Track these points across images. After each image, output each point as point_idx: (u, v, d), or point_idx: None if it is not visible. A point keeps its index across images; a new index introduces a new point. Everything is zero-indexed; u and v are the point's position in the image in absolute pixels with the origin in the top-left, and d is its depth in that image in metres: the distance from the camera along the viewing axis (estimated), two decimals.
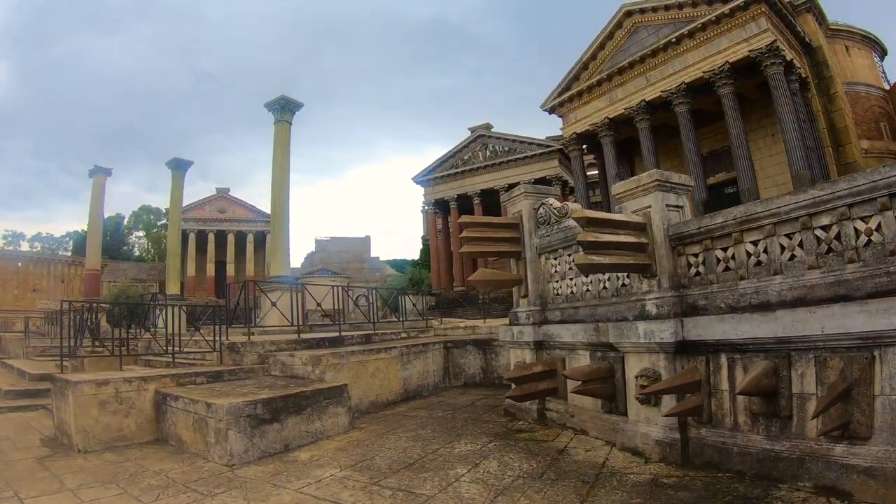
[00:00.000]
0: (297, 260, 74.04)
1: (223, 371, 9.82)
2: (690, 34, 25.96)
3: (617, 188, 7.05)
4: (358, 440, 7.73)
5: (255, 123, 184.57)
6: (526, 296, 9.14)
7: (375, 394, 10.67)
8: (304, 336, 11.98)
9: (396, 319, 17.77)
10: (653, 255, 6.42)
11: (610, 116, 30.03)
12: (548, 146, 40.29)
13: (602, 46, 30.45)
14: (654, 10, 27.87)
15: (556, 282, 8.67)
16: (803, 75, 25.93)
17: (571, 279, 8.24)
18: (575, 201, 43.09)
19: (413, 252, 76.77)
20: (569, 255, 8.22)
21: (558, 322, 8.38)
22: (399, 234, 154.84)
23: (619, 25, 29.67)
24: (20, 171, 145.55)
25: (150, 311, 19.41)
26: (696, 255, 6.26)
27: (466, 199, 43.43)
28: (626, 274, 6.96)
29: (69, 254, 68.82)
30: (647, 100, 28.11)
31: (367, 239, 65.91)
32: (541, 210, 8.88)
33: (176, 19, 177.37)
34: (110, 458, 7.16)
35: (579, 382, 7.06)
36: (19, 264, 58.63)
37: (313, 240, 69.30)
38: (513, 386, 8.18)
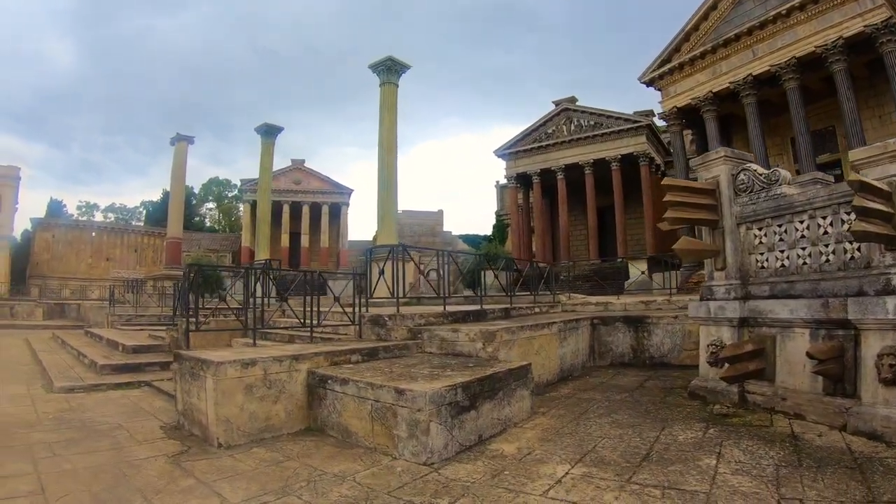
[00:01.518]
0: (369, 233, 73.94)
1: (377, 348, 8.53)
2: (801, 6, 24.01)
3: (857, 154, 6.37)
4: (552, 427, 6.71)
5: (317, 99, 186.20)
6: (723, 268, 8.33)
7: (538, 373, 9.33)
8: (450, 309, 11.08)
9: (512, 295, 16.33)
10: None
11: (713, 91, 28.15)
12: (636, 121, 38.17)
13: (705, 17, 28.43)
14: None
15: (762, 254, 7.92)
16: None
17: (782, 251, 7.57)
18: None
19: (485, 227, 75.68)
20: (779, 226, 7.57)
21: (767, 297, 7.68)
22: (468, 210, 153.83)
23: None
24: (90, 147, 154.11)
25: (246, 280, 18.04)
26: None
27: (549, 173, 41.67)
28: (856, 246, 6.51)
29: (142, 224, 69.97)
30: (753, 74, 26.22)
31: (440, 213, 65.70)
32: (741, 176, 8.16)
33: None
34: (264, 456, 5.74)
35: (803, 364, 6.81)
36: (93, 234, 60.28)
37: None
38: (725, 366, 7.57)
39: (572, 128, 40.79)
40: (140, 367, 11.19)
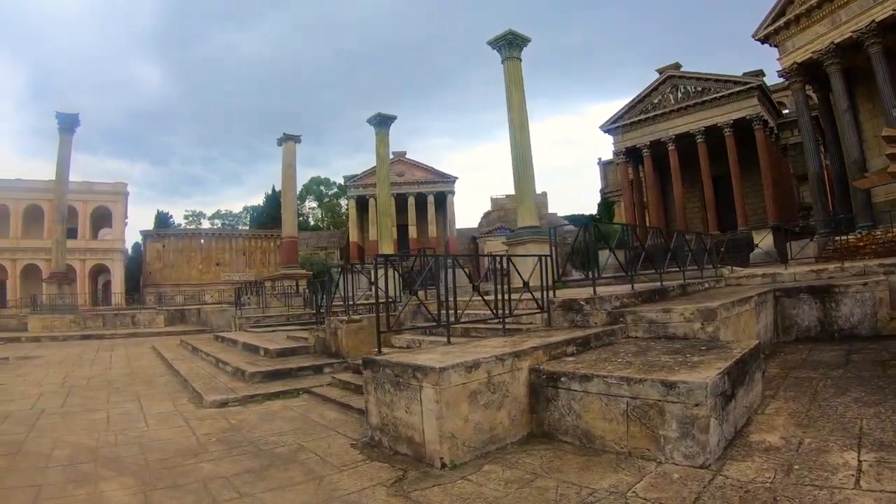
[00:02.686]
0: (473, 220, 73.37)
1: (588, 336, 7.40)
2: None
3: None
4: (795, 411, 6.00)
5: (400, 93, 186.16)
6: None
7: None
8: (638, 288, 10.01)
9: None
10: None
11: (835, 41, 25.86)
12: (745, 82, 36.69)
13: None
14: None
15: None
16: None
17: None
18: (782, 143, 39.93)
19: (588, 207, 74.23)
20: None
21: None
22: (570, 191, 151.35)
23: None
24: (187, 161, 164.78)
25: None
26: None
27: (659, 145, 40.56)
28: None
29: (247, 228, 72.22)
30: (877, 20, 23.89)
31: (544, 195, 65.23)
32: None
33: (306, 3, 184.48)
34: (504, 475, 4.75)
35: None
36: (202, 241, 62.29)
37: (489, 198, 68.16)
38: None
39: (679, 95, 39.92)
40: (291, 372, 10.10)
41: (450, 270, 8.72)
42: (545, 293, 8.91)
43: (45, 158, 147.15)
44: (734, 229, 33.60)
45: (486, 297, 8.44)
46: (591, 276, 9.52)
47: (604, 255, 10.82)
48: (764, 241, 24.36)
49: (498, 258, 9.37)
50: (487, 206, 68.21)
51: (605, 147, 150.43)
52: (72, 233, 44.54)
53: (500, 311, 8.27)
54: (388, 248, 25.38)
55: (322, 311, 12.51)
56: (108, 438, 6.60)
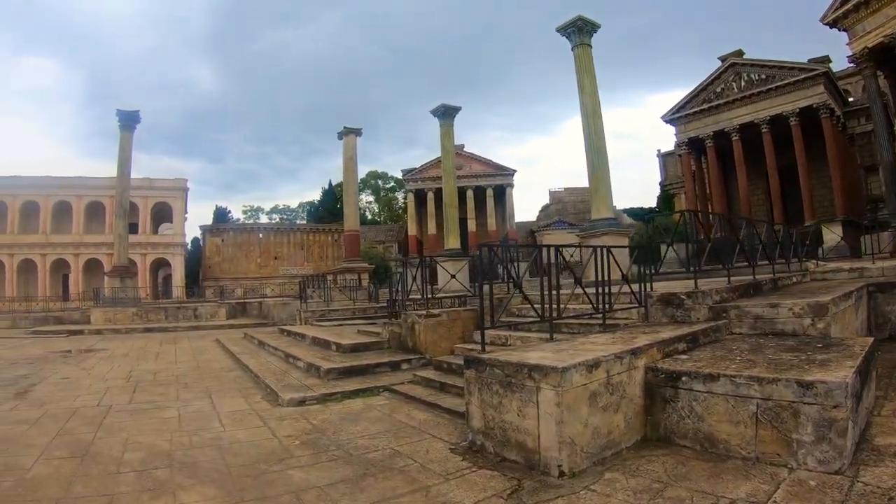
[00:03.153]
0: (531, 213, 72.70)
1: (696, 333, 7.00)
2: None
3: None
4: None
5: (452, 90, 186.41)
6: None
7: None
8: (734, 282, 9.66)
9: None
10: None
11: None
12: (811, 69, 35.10)
13: None
14: None
15: None
16: None
17: None
18: (848, 132, 38.20)
19: (647, 200, 72.85)
20: None
21: None
22: (627, 183, 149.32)
23: None
24: (242, 158, 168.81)
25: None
26: None
27: (722, 135, 39.28)
28: None
29: (304, 222, 73.19)
30: None
31: None
32: None
33: (357, 1, 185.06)
34: (629, 484, 4.32)
35: None
36: (260, 235, 63.07)
37: (546, 192, 67.36)
38: None
39: (742, 84, 38.55)
40: (368, 369, 9.65)
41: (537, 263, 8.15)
42: (643, 286, 8.42)
43: (103, 158, 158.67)
44: (799, 223, 32.29)
45: (587, 291, 7.87)
46: (691, 269, 9.12)
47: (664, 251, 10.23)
48: (834, 234, 23.38)
49: (600, 251, 8.71)
50: (541, 200, 68.00)
51: (661, 139, 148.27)
52: (133, 228, 45.45)
53: (601, 306, 7.74)
54: (454, 241, 25.28)
55: (396, 305, 11.98)
56: (181, 440, 6.23)
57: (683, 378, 5.30)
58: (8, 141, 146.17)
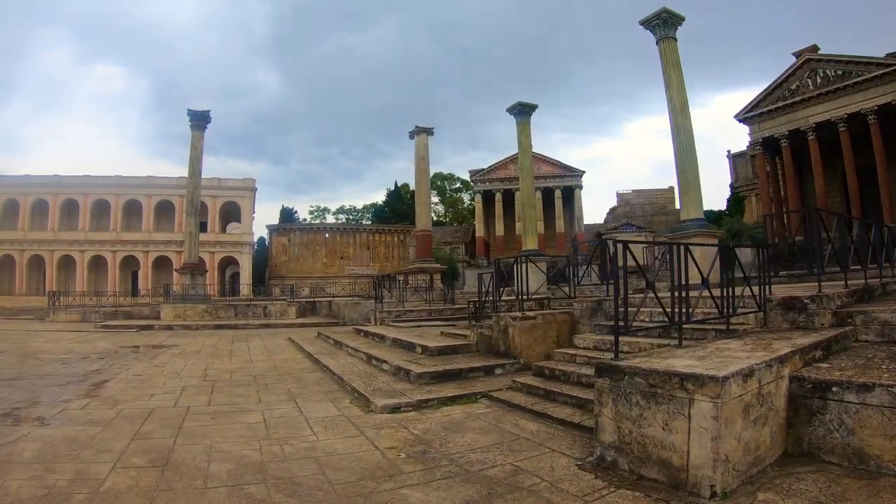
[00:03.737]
0: (594, 216, 71.60)
1: (828, 340, 6.48)
2: None
3: None
4: None
5: (513, 91, 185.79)
6: None
7: None
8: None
9: None
10: None
11: None
12: (889, 64, 32.97)
13: None
14: None
15: None
16: None
17: None
18: None
19: (716, 202, 70.81)
20: None
21: None
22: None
23: None
24: (306, 159, 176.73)
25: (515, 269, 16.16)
26: None
27: (797, 135, 37.49)
28: None
29: (369, 223, 73.60)
30: None
31: (671, 190, 62.49)
32: None
33: (420, 4, 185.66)
34: None
35: None
36: (327, 235, 63.95)
37: (614, 194, 66.16)
38: None
39: (818, 80, 36.61)
40: (461, 373, 9.18)
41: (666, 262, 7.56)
42: (763, 289, 7.86)
43: (169, 160, 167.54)
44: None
45: (713, 294, 7.23)
46: (814, 270, 8.42)
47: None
48: None
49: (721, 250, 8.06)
50: (604, 203, 66.98)
51: (729, 140, 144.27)
52: (202, 227, 46.22)
53: (726, 310, 7.12)
54: (532, 241, 24.89)
55: (483, 306, 11.47)
56: (272, 449, 5.79)
57: (834, 388, 4.92)
58: (78, 143, 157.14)
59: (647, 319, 8.29)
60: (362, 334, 15.84)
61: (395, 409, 7.34)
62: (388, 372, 9.96)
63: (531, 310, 11.07)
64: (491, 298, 11.78)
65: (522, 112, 25.92)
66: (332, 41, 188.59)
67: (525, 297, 11.36)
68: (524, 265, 11.88)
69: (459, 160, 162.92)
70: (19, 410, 7.52)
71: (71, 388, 9.31)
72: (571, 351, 8.61)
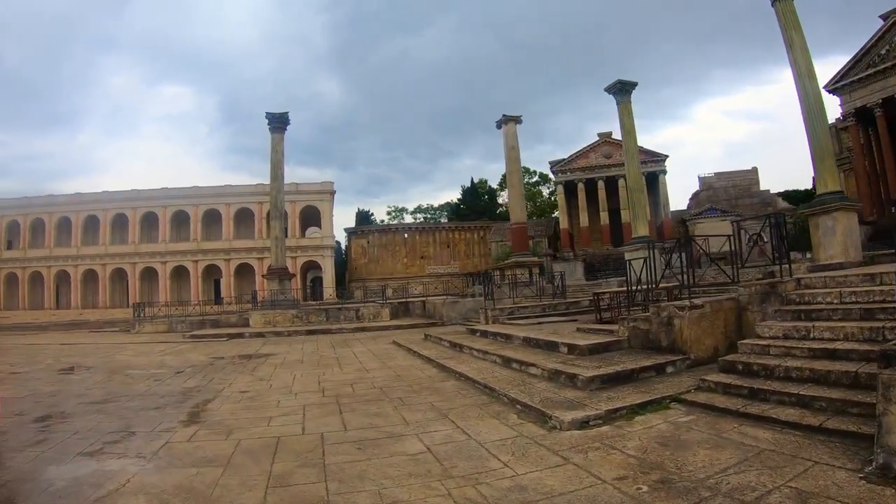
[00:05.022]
0: (680, 201, 69.38)
1: None
2: None
3: None
4: None
5: (575, 83, 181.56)
6: None
7: None
8: None
9: None
10: None
11: None
12: None
13: None
14: None
15: None
16: None
17: None
18: None
19: (803, 182, 67.48)
20: None
21: None
22: (780, 165, 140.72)
23: None
24: (373, 163, 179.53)
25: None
26: None
27: (892, 103, 34.63)
28: None
29: (446, 221, 73.98)
30: None
31: (755, 171, 60.53)
32: None
33: (474, 2, 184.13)
34: None
35: None
36: (405, 235, 64.45)
37: (696, 178, 63.58)
38: None
39: None
40: (632, 374, 8.14)
41: None
42: None
43: (240, 171, 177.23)
44: None
45: None
46: None
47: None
48: None
49: None
50: (681, 188, 64.41)
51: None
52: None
53: None
54: (643, 227, 24.19)
55: (634, 297, 10.34)
56: (465, 493, 4.51)
57: None
58: (151, 162, 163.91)
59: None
60: (478, 334, 14.95)
61: (584, 424, 6.25)
62: (541, 377, 8.94)
63: (696, 297, 9.91)
64: (643, 287, 10.61)
65: (623, 91, 24.69)
66: (389, 46, 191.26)
67: (693, 282, 10.17)
68: (652, 251, 10.85)
69: (526, 154, 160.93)
70: (112, 446, 6.44)
71: (170, 412, 8.31)
72: (761, 342, 7.52)
